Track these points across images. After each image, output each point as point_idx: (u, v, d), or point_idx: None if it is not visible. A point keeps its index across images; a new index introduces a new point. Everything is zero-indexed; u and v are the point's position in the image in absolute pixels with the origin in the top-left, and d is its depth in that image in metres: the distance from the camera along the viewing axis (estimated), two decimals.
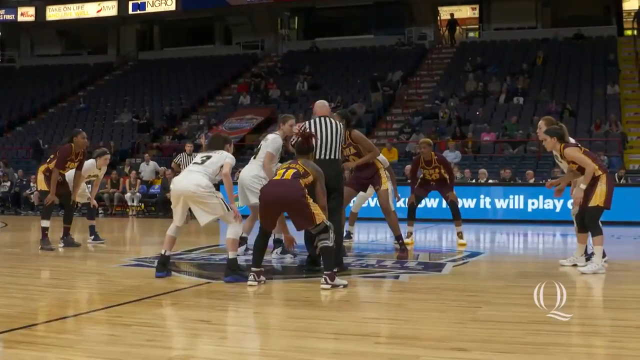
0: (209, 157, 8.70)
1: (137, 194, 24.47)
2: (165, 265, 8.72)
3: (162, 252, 8.74)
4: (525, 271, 9.46)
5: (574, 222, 9.83)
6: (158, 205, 24.07)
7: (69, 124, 34.59)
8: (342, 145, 9.68)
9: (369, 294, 8.08)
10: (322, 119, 9.54)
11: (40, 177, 12.60)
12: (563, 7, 37.89)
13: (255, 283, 8.03)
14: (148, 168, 25.71)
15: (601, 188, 9.15)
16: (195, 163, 8.73)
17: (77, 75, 41.19)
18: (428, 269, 10.02)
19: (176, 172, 21.72)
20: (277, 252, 10.64)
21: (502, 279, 9.11)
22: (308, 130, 9.17)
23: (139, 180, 24.82)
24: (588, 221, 9.25)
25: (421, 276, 9.24)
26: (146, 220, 22.70)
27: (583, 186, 9.19)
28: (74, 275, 9.51)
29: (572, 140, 9.70)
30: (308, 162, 8.42)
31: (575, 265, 9.54)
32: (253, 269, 8.14)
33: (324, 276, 7.88)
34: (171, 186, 8.80)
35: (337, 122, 9.60)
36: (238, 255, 8.75)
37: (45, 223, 12.20)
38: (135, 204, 24.36)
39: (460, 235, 13.07)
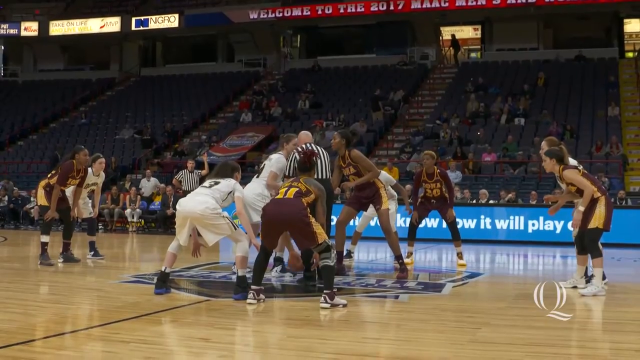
0: (217, 183, 8.75)
1: (138, 210, 24.46)
2: (164, 282, 8.72)
3: (162, 269, 8.75)
4: (525, 292, 9.43)
5: (574, 243, 9.83)
6: (158, 222, 24.06)
7: (71, 139, 34.62)
8: (332, 166, 10.17)
9: (368, 314, 8.07)
10: (309, 144, 10.06)
11: (41, 192, 12.56)
12: (564, 28, 38.01)
13: (255, 301, 8.01)
14: (149, 184, 25.70)
15: (600, 210, 9.15)
16: (203, 186, 8.82)
17: (79, 91, 41.25)
18: (428, 289, 10.00)
19: (177, 188, 21.78)
20: (276, 270, 10.64)
21: (502, 300, 9.10)
22: (308, 149, 9.25)
23: (139, 197, 24.81)
24: (588, 243, 9.24)
25: (421, 296, 9.23)
26: (146, 236, 22.68)
27: (581, 208, 9.20)
28: (72, 291, 9.49)
29: (573, 162, 9.72)
30: (310, 180, 8.45)
31: (575, 287, 9.53)
32: (253, 287, 8.13)
33: (323, 295, 7.88)
34: (177, 207, 8.77)
35: (322, 150, 10.26)
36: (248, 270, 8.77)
37: (44, 238, 12.18)
38: (135, 220, 24.35)
39: (460, 255, 13.06)
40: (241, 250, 8.56)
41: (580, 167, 9.59)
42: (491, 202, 21.98)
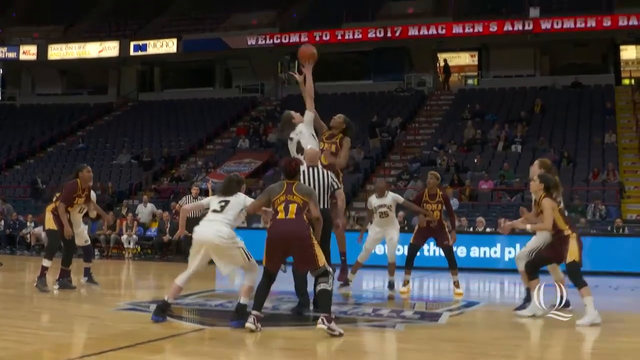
0: (227, 202, 8.76)
1: (134, 236, 24.39)
2: (164, 312, 8.67)
3: (165, 298, 8.73)
4: (522, 322, 9.42)
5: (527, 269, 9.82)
6: (154, 248, 23.99)
7: (68, 164, 34.58)
8: (328, 194, 9.73)
9: (365, 344, 8.04)
10: (311, 168, 9.65)
11: (49, 216, 12.46)
12: (561, 55, 38.17)
13: (254, 327, 7.98)
14: (145, 210, 25.63)
15: (573, 245, 9.32)
16: (214, 211, 8.75)
17: (77, 115, 41.26)
18: (424, 318, 9.97)
19: (177, 214, 21.72)
20: None
21: (499, 329, 9.08)
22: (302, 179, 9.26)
23: (135, 222, 24.76)
24: (571, 277, 9.34)
25: (417, 326, 9.20)
26: (142, 263, 22.61)
27: (528, 226, 9.63)
28: (68, 319, 9.46)
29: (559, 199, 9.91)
30: (301, 186, 8.55)
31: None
32: (253, 312, 8.10)
33: (321, 317, 7.86)
34: (194, 235, 8.71)
35: (326, 172, 9.72)
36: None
37: (46, 262, 12.10)
38: (131, 246, 24.26)
39: (456, 284, 13.02)
40: (250, 280, 8.63)
41: (561, 206, 9.76)
42: (488, 230, 21.95)
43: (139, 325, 8.53)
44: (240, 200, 8.80)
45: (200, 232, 8.63)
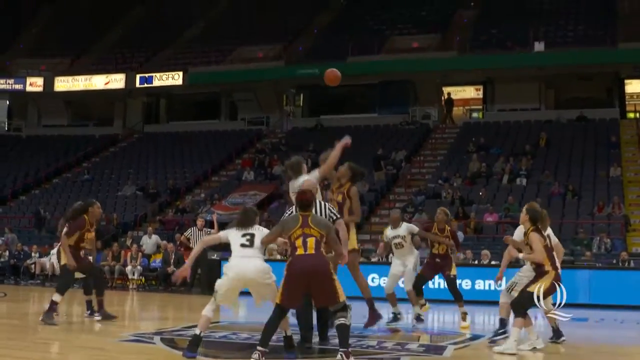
0: (252, 236, 8.74)
1: (138, 267, 24.38)
2: (197, 346, 8.48)
3: (198, 333, 8.55)
4: (527, 355, 9.36)
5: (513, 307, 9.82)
6: (159, 279, 23.96)
7: (73, 195, 34.63)
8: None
9: None
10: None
11: (62, 250, 12.44)
12: (566, 89, 38.25)
13: None
14: (150, 241, 25.63)
15: (546, 282, 9.39)
16: (244, 246, 8.69)
17: (82, 146, 41.40)
18: (429, 351, 9.92)
19: (185, 245, 21.70)
20: None
21: None
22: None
23: (140, 253, 24.75)
24: (516, 302, 9.52)
25: (422, 359, 9.15)
26: (146, 294, 22.58)
27: (522, 255, 9.80)
28: (71, 350, 9.43)
29: (549, 232, 10.13)
30: (317, 219, 8.50)
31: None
32: (259, 348, 8.03)
33: (340, 353, 7.92)
34: (232, 273, 8.62)
35: (323, 203, 9.64)
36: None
37: (57, 297, 11.94)
38: (135, 277, 24.25)
39: (464, 316, 12.98)
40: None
41: (549, 241, 9.82)
42: (493, 262, 21.88)
43: (144, 356, 8.51)
44: (264, 234, 8.81)
45: (240, 269, 8.61)
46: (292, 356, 8.32)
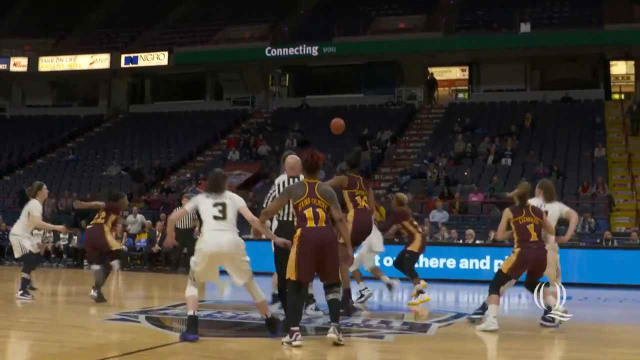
0: (224, 206, 8.36)
1: (123, 246, 24.30)
2: (196, 327, 8.16)
3: (191, 313, 8.21)
4: (512, 333, 9.41)
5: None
6: (144, 259, 23.94)
7: (57, 175, 34.57)
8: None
9: (353, 355, 8.03)
10: (291, 180, 9.44)
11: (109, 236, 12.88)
12: (552, 70, 38.29)
13: (301, 343, 7.77)
14: (135, 221, 25.59)
15: (510, 259, 9.60)
16: (217, 218, 8.32)
17: (67, 127, 41.23)
18: (413, 329, 9.96)
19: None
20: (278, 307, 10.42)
21: (488, 341, 9.07)
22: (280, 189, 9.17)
23: (125, 233, 24.71)
24: (492, 282, 9.68)
25: (406, 337, 9.19)
26: (132, 273, 22.56)
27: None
28: (56, 329, 9.42)
29: (535, 201, 10.48)
30: (322, 189, 8.27)
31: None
32: (293, 328, 7.81)
33: (333, 327, 7.85)
34: (204, 248, 8.27)
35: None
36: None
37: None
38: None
39: (416, 294, 13.00)
40: (261, 293, 8.52)
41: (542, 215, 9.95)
42: (478, 242, 22.00)
43: (128, 335, 8.51)
44: (236, 203, 8.45)
45: (214, 243, 8.24)
46: (195, 337, 7.96)
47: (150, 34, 44.69)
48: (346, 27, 38.00)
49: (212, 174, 8.78)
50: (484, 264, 20.40)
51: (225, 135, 37.63)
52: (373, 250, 12.72)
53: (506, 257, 9.77)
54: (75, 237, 25.34)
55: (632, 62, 37.23)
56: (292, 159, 9.66)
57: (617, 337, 9.87)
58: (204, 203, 8.46)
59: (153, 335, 8.44)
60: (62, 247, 25.21)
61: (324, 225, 8.01)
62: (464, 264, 20.46)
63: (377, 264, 13.73)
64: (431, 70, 39.36)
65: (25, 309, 11.18)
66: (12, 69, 43.19)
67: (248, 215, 8.51)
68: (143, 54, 41.38)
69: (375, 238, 12.31)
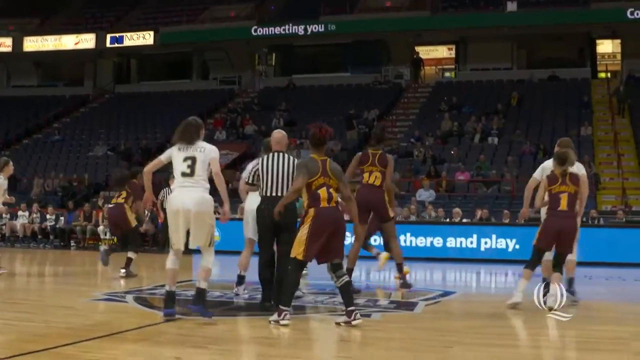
0: (194, 161, 7.99)
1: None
2: (173, 302, 8.10)
3: (168, 289, 8.10)
4: (498, 311, 9.45)
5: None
6: None
7: (43, 156, 34.41)
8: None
9: (340, 333, 8.04)
10: (277, 154, 9.25)
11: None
12: (538, 49, 38.30)
13: (288, 323, 7.71)
14: None
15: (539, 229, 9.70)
16: (185, 174, 7.99)
17: (52, 107, 41.00)
18: (400, 307, 9.99)
19: (158, 207, 21.61)
20: (242, 290, 10.36)
21: (475, 318, 9.11)
22: (264, 164, 9.11)
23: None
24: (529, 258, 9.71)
25: (393, 315, 9.22)
26: (118, 254, 22.47)
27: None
28: (43, 309, 9.39)
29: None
30: (333, 167, 8.07)
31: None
32: (283, 307, 7.77)
33: (354, 312, 7.79)
34: (167, 206, 8.19)
35: (290, 157, 9.29)
36: (238, 294, 8.66)
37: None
38: (107, 237, 24.14)
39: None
40: (208, 262, 8.11)
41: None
42: (465, 220, 22.05)
43: (115, 315, 8.50)
44: (207, 154, 8.06)
45: (178, 200, 7.98)
46: (198, 309, 7.90)
47: (136, 14, 44.45)
48: (333, 6, 37.86)
49: (185, 122, 8.46)
50: (471, 242, 20.48)
51: (212, 114, 37.49)
52: None
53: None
54: (62, 218, 25.27)
55: (618, 41, 37.30)
56: (279, 134, 9.54)
57: (603, 315, 9.92)
58: (176, 157, 8.14)
59: (140, 315, 8.44)
60: (49, 228, 25.12)
61: (334, 205, 7.94)
62: (451, 242, 20.54)
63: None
64: (418, 49, 39.25)
65: (11, 290, 11.15)
66: None
67: (215, 168, 8.11)
68: (129, 34, 41.17)
69: None
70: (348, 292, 7.95)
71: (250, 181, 9.64)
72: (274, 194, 9.03)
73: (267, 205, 8.84)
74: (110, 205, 13.71)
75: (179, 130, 8.35)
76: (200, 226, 7.96)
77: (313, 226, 7.81)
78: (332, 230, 7.83)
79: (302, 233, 7.88)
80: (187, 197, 7.90)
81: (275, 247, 9.16)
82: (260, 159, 9.32)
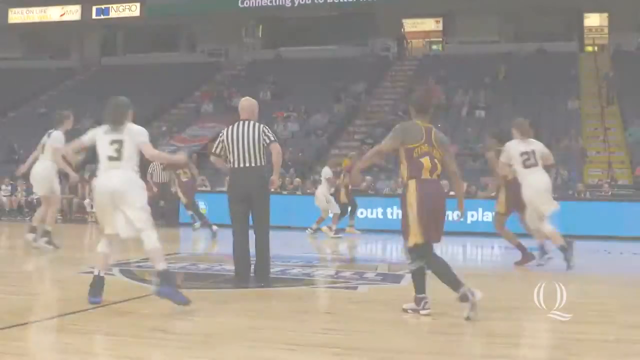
0: (121, 144, 7.30)
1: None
2: (101, 289, 7.36)
3: (97, 273, 7.41)
4: (484, 283, 9.47)
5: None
6: None
7: (29, 128, 34.17)
8: (262, 149, 8.85)
9: (327, 305, 8.06)
10: (242, 123, 8.97)
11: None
12: (525, 22, 38.28)
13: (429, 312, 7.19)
14: None
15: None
16: (111, 158, 7.30)
17: (38, 80, 40.76)
18: (387, 280, 10.01)
19: (148, 183, 21.53)
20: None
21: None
22: (228, 134, 8.84)
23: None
24: None
25: (380, 287, 9.24)
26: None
27: None
28: (29, 282, 9.38)
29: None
30: (439, 136, 7.06)
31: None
32: (420, 295, 7.23)
33: (424, 300, 7.20)
34: (94, 190, 7.49)
35: (257, 124, 8.98)
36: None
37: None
38: (94, 210, 24.08)
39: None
40: (156, 240, 7.25)
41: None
42: (451, 193, 22.04)
43: None
44: (134, 138, 7.40)
45: (103, 181, 7.26)
46: (167, 292, 7.07)
47: None
48: None
49: (111, 102, 7.73)
50: (457, 215, 20.46)
51: (199, 87, 37.42)
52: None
53: None
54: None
55: (605, 14, 37.28)
56: (246, 101, 9.31)
57: (590, 288, 9.96)
58: (101, 140, 7.46)
59: (126, 288, 8.43)
60: (35, 201, 25.02)
61: (436, 178, 6.95)
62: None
63: None
64: (405, 21, 39.19)
65: None
66: None
67: (148, 151, 7.47)
68: (114, 5, 40.98)
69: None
70: (420, 278, 7.26)
71: (216, 152, 9.12)
72: (241, 164, 8.74)
73: (237, 178, 8.68)
74: (185, 179, 14.46)
75: (106, 112, 7.63)
76: (131, 208, 7.11)
77: (420, 202, 6.83)
78: (438, 206, 6.95)
79: (411, 213, 6.91)
80: (114, 177, 7.19)
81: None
82: (225, 129, 8.99)
